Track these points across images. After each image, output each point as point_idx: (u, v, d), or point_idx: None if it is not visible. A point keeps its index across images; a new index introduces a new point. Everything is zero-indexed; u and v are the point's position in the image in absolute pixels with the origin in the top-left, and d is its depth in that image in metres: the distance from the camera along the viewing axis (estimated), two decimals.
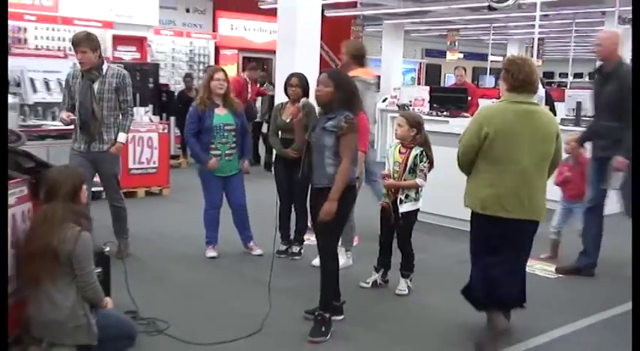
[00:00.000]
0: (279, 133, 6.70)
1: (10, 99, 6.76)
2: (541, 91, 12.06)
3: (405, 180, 5.64)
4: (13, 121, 6.44)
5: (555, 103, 13.28)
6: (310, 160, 4.88)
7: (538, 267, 6.66)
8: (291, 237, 6.82)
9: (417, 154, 5.62)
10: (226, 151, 6.48)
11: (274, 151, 6.92)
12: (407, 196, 5.65)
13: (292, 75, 6.64)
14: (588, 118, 9.92)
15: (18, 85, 7.21)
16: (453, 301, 5.53)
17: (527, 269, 6.52)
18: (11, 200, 4.10)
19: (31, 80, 9.06)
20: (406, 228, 5.75)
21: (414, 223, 5.79)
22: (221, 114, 6.45)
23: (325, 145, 4.72)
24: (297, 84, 6.54)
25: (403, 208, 5.65)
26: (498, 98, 5.09)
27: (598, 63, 6.48)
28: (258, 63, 20.24)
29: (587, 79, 32.69)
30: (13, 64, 7.46)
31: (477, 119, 4.72)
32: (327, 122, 4.73)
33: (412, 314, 5.33)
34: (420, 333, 4.94)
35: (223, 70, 6.63)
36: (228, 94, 6.53)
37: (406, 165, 5.61)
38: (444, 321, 5.19)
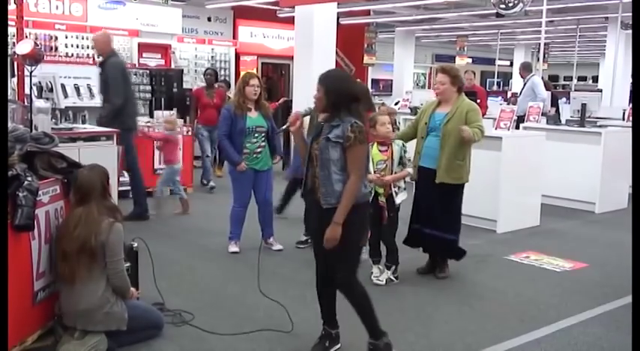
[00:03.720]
0: None
1: (43, 103, 6.81)
2: (545, 93, 12.05)
3: (395, 173, 5.63)
4: (46, 124, 6.45)
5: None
6: (314, 174, 4.02)
7: (546, 261, 6.62)
8: None
9: (400, 147, 5.66)
10: (255, 150, 6.49)
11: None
12: (398, 188, 5.66)
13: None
14: (591, 119, 9.88)
15: (50, 90, 7.22)
16: (468, 298, 5.54)
17: (535, 263, 6.54)
18: (45, 199, 4.14)
19: (63, 86, 9.11)
20: (396, 220, 5.74)
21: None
22: (253, 117, 6.48)
23: (330, 159, 3.89)
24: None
25: (398, 199, 5.65)
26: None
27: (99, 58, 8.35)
28: (277, 68, 20.32)
29: (590, 82, 32.54)
30: (46, 70, 7.54)
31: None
32: (330, 132, 3.91)
33: (423, 310, 5.32)
34: (431, 326, 4.93)
35: (258, 77, 6.62)
36: (261, 99, 6.54)
37: (393, 159, 5.61)
38: (456, 314, 5.16)
